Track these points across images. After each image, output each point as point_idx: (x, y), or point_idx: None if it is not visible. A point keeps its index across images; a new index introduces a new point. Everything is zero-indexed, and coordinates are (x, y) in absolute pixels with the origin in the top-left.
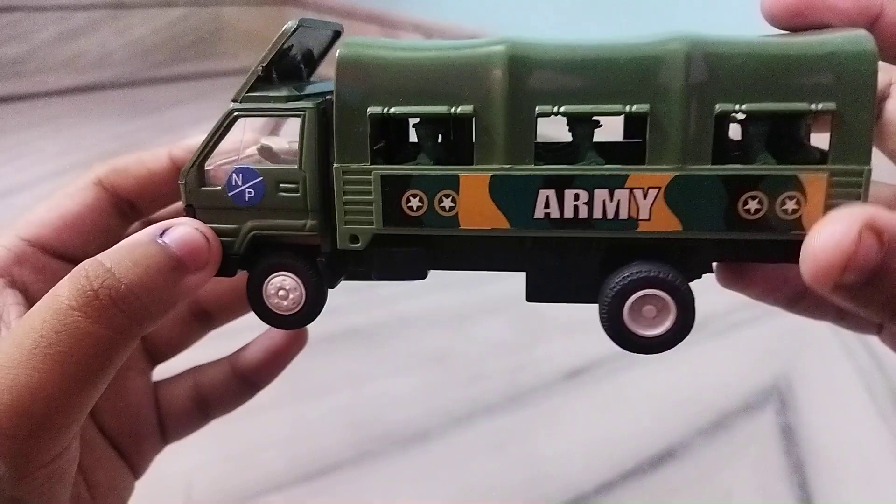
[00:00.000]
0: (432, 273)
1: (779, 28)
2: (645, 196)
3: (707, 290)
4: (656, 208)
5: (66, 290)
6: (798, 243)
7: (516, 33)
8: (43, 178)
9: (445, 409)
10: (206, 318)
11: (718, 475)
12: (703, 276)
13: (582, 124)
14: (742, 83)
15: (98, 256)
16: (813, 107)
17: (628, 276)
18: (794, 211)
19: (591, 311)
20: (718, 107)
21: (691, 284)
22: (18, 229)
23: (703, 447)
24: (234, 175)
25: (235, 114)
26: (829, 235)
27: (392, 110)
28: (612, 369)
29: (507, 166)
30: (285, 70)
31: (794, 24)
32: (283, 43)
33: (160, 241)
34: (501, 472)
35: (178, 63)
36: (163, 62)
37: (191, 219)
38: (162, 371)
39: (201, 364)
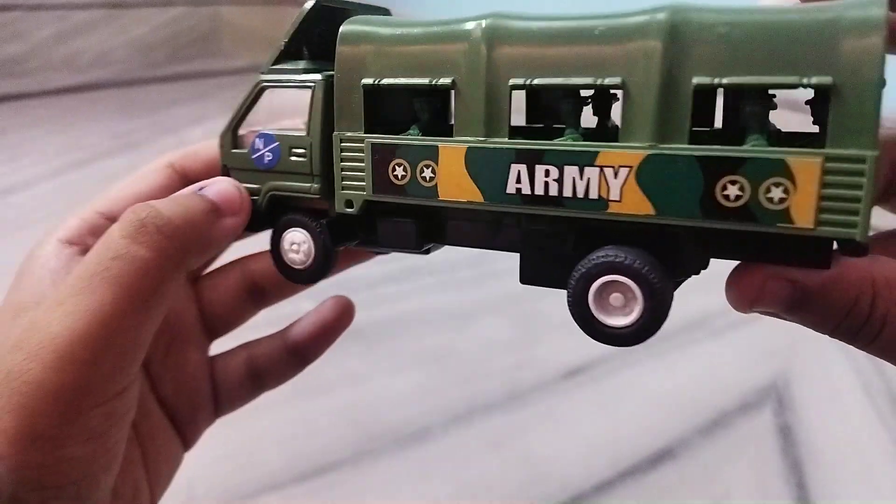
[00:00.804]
0: (431, 273)
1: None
2: (616, 175)
3: (705, 288)
4: (627, 189)
5: (116, 227)
6: (789, 237)
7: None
8: (42, 178)
9: (444, 408)
10: (260, 295)
11: (716, 474)
12: (701, 271)
13: (566, 100)
14: (724, 55)
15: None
16: (805, 80)
17: (593, 260)
18: (781, 200)
19: None
20: (695, 80)
21: (689, 279)
22: (95, 204)
23: (701, 446)
24: (256, 139)
25: (262, 84)
26: (738, 275)
27: (382, 82)
28: (610, 368)
29: (482, 139)
30: (318, 49)
31: None
32: (301, 21)
33: (199, 193)
34: (500, 470)
35: (176, 62)
36: (162, 61)
37: (226, 177)
38: (217, 347)
39: (255, 339)
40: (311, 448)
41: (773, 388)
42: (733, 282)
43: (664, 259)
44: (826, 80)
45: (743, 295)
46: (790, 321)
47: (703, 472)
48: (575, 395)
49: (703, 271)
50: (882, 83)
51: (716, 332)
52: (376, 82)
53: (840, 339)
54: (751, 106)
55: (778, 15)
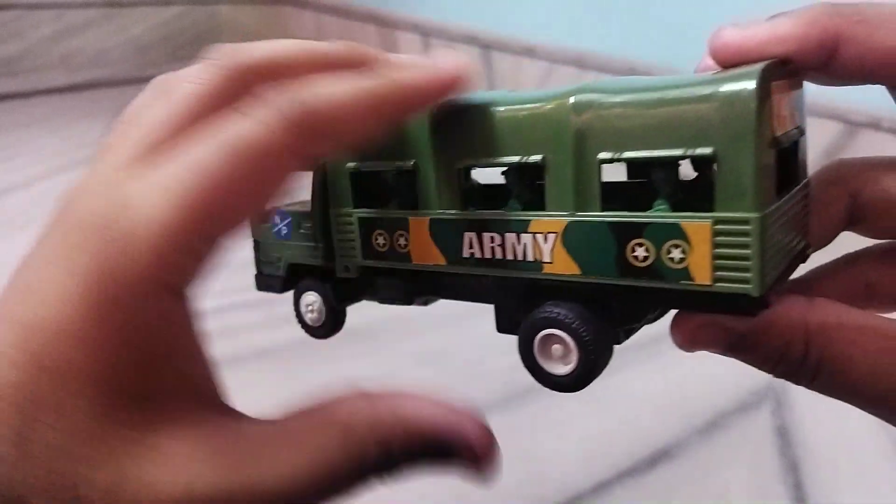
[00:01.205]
0: None
1: None
2: (546, 240)
3: None
4: (556, 252)
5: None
6: (695, 291)
7: (511, 33)
8: (39, 177)
9: None
10: None
11: (714, 475)
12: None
13: (509, 174)
14: (623, 131)
15: None
16: (689, 152)
17: (535, 315)
18: (681, 260)
19: None
20: (600, 156)
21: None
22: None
23: (698, 447)
24: (275, 215)
25: None
26: (677, 319)
27: (363, 168)
28: (608, 369)
29: (441, 211)
30: None
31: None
32: None
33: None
34: (498, 471)
35: (174, 62)
36: (159, 60)
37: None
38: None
39: None
40: None
41: (770, 388)
42: (673, 325)
43: (600, 313)
44: (707, 151)
45: (683, 338)
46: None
47: (700, 472)
48: (572, 396)
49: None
50: (777, 143)
51: None
52: (356, 167)
53: (783, 378)
54: (654, 174)
55: (667, 90)
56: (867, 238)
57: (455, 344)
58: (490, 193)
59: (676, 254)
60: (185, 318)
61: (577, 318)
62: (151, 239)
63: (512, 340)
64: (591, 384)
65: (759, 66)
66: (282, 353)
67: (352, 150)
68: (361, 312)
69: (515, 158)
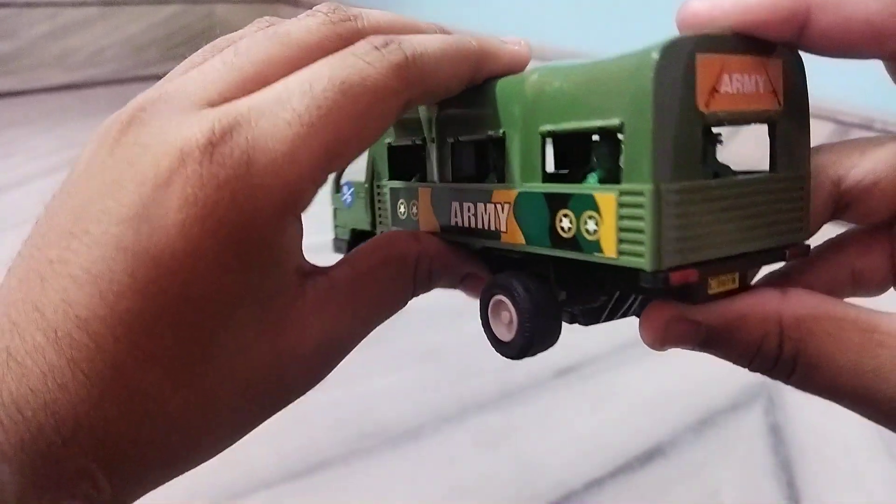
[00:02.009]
0: None
1: None
2: (503, 210)
3: None
4: (509, 222)
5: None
6: (608, 267)
7: (512, 34)
8: (35, 175)
9: (436, 406)
10: None
11: (707, 473)
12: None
13: (488, 147)
14: (558, 106)
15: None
16: (602, 123)
17: (490, 281)
18: (595, 231)
19: None
20: (540, 129)
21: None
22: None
23: (691, 445)
24: (343, 186)
25: None
26: (646, 315)
27: (395, 143)
28: (601, 367)
29: (437, 183)
30: None
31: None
32: None
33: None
34: (492, 469)
35: (170, 61)
36: (155, 60)
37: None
38: None
39: None
40: (303, 446)
41: (763, 386)
42: (644, 322)
43: (544, 286)
44: (615, 121)
45: (652, 335)
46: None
47: (693, 470)
48: (566, 394)
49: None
50: (705, 118)
51: None
52: (392, 143)
53: (759, 373)
54: (592, 147)
55: (596, 63)
56: (852, 225)
57: (449, 342)
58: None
59: (591, 225)
60: (300, 229)
61: (520, 287)
62: (277, 165)
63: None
64: (535, 355)
65: (675, 36)
66: None
67: (441, 98)
68: None
69: (489, 132)
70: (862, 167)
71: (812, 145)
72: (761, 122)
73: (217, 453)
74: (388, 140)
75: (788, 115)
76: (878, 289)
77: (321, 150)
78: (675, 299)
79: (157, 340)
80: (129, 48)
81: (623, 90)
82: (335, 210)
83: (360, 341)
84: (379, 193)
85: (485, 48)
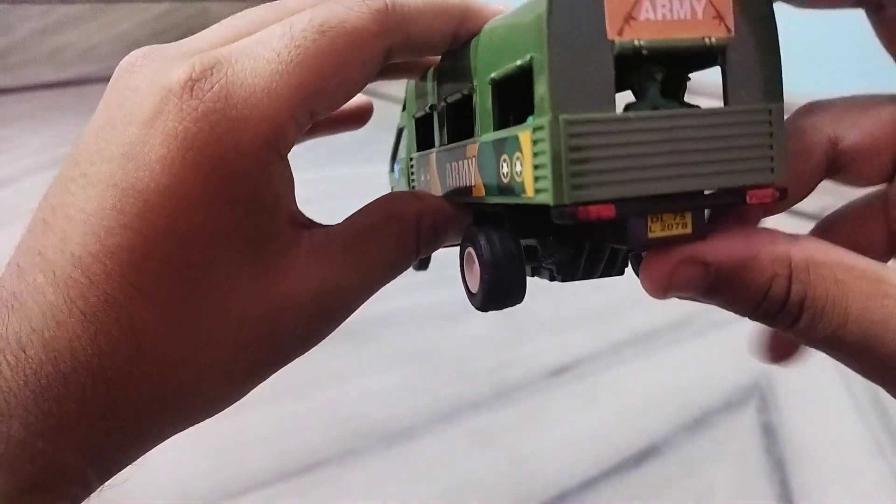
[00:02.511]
0: (417, 272)
1: None
2: (472, 164)
3: None
4: (475, 175)
5: None
6: (529, 206)
7: None
8: (26, 173)
9: (430, 406)
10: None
11: (700, 472)
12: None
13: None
14: (497, 52)
15: None
16: (518, 63)
17: (465, 233)
18: (520, 172)
19: (576, 309)
20: (489, 77)
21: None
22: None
23: (685, 444)
24: (395, 164)
25: (400, 128)
26: (650, 260)
27: (417, 115)
28: (595, 367)
29: (436, 147)
30: None
31: None
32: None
33: None
34: (486, 468)
35: None
36: None
37: None
38: None
39: None
40: (297, 446)
41: (756, 386)
42: (645, 267)
43: (506, 237)
44: (527, 58)
45: (655, 281)
46: (707, 304)
47: (686, 469)
48: (560, 394)
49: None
50: (617, 48)
51: (700, 331)
52: (415, 115)
53: (761, 322)
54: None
55: (520, 5)
56: (849, 188)
57: (443, 342)
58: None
59: (518, 166)
60: (285, 171)
61: (482, 240)
62: (257, 99)
63: (498, 336)
64: (500, 309)
65: None
66: None
67: (424, 51)
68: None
69: (464, 90)
70: (861, 128)
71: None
72: (702, 51)
73: (211, 410)
74: (413, 113)
75: (744, 41)
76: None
77: (298, 86)
78: (612, 242)
79: (147, 276)
80: (121, 45)
81: (531, 25)
82: (392, 188)
83: (362, 300)
84: (410, 165)
85: (468, 5)
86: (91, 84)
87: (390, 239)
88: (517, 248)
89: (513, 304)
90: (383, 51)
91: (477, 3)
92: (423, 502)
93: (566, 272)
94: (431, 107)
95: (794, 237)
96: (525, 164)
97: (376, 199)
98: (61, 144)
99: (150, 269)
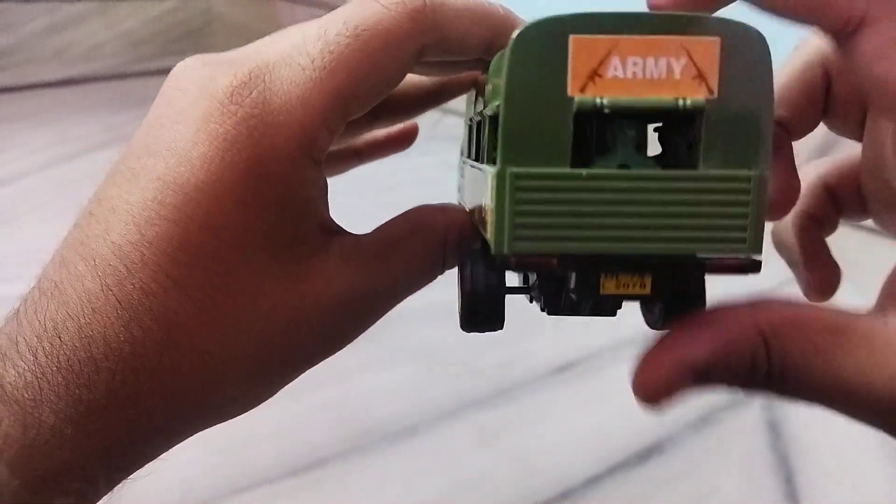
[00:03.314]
0: None
1: None
2: (473, 186)
3: None
4: (474, 196)
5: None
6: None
7: None
8: (31, 170)
9: (434, 403)
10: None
11: (705, 469)
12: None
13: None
14: (491, 89)
15: None
16: (492, 109)
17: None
18: (485, 210)
19: None
20: (485, 111)
21: None
22: None
23: (689, 441)
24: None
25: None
26: (640, 377)
27: (471, 123)
28: (600, 364)
29: (466, 157)
30: None
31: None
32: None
33: None
34: (490, 466)
35: (167, 56)
36: (152, 55)
37: None
38: None
39: None
40: (301, 443)
41: None
42: (638, 385)
43: (496, 267)
44: (495, 106)
45: (651, 395)
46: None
47: (691, 467)
48: (564, 391)
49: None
50: (574, 105)
51: None
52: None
53: (746, 393)
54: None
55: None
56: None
57: (447, 339)
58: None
59: (486, 202)
60: (318, 177)
61: (467, 267)
62: (291, 105)
63: (502, 334)
64: (479, 332)
65: (548, 16)
66: None
67: (459, 54)
68: None
69: (480, 109)
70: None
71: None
72: (676, 112)
73: (234, 408)
74: (467, 116)
75: (729, 102)
76: (855, 211)
77: (332, 93)
78: (569, 288)
79: (182, 268)
80: (126, 43)
81: (501, 72)
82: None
83: (388, 307)
84: (461, 165)
85: (509, 16)
86: (95, 82)
87: (416, 251)
88: (499, 279)
89: (491, 330)
90: (417, 49)
91: (518, 18)
92: (427, 499)
93: (550, 306)
94: (470, 118)
95: (749, 303)
96: (487, 204)
97: (404, 212)
98: (64, 143)
99: (185, 261)
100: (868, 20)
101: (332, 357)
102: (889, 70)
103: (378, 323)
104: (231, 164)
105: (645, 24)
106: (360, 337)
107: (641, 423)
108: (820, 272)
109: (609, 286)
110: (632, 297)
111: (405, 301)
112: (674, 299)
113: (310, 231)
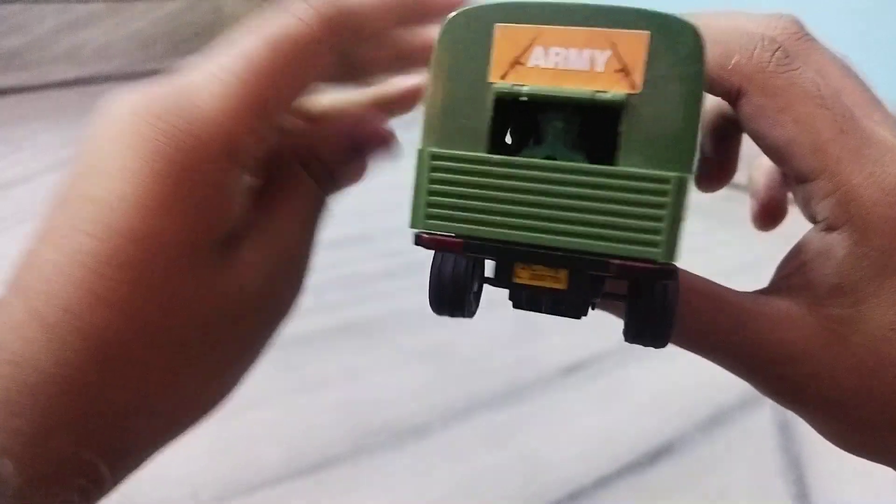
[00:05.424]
0: None
1: None
2: None
3: None
4: None
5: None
6: None
7: None
8: (42, 171)
9: (443, 403)
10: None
11: (715, 470)
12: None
13: None
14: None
15: None
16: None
17: None
18: None
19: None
20: None
21: None
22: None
23: (700, 442)
24: None
25: None
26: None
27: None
28: (609, 365)
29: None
30: None
31: None
32: None
33: None
34: (499, 466)
35: (177, 56)
36: (162, 55)
37: None
38: None
39: None
40: (310, 443)
41: None
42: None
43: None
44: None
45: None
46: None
47: (701, 468)
48: (574, 392)
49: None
50: (494, 91)
51: None
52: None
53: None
54: None
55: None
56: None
57: (456, 339)
58: None
59: None
60: (240, 181)
61: (437, 256)
62: (212, 114)
63: (512, 334)
64: (447, 315)
65: (476, 5)
66: (283, 347)
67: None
68: (359, 307)
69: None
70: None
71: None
72: (594, 106)
73: (200, 409)
74: None
75: (654, 99)
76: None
77: (252, 100)
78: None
79: (107, 282)
80: (136, 43)
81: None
82: None
83: (306, 262)
84: None
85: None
86: (106, 82)
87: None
88: (467, 269)
89: (461, 317)
90: (332, 52)
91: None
92: (436, 499)
93: (513, 299)
94: None
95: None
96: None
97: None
98: (76, 143)
99: (110, 275)
100: (742, 92)
101: (341, 356)
102: (758, 129)
103: (386, 323)
104: (154, 172)
105: (572, 15)
106: (369, 337)
107: (651, 423)
108: (767, 204)
109: (523, 276)
110: (548, 291)
111: (413, 301)
112: (637, 311)
113: (237, 231)
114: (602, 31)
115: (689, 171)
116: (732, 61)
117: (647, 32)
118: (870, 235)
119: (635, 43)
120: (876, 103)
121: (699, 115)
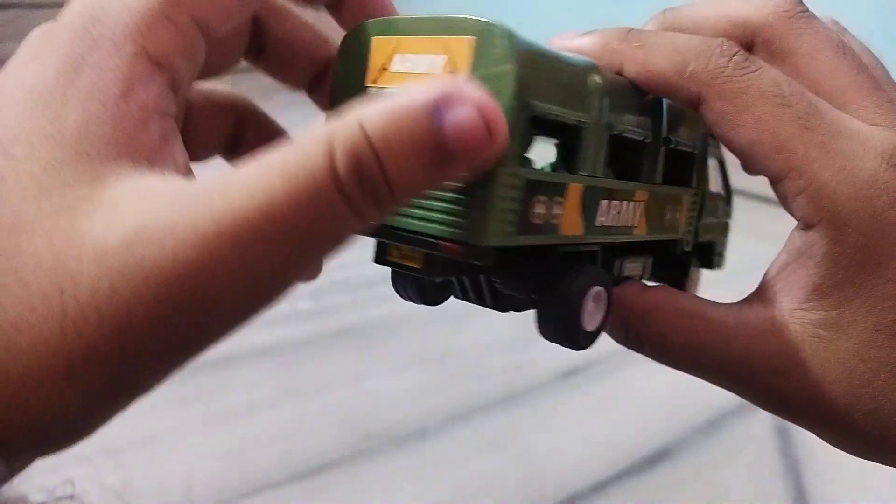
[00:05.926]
0: None
1: None
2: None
3: (702, 291)
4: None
5: (324, 148)
6: None
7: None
8: None
9: (442, 407)
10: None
11: (714, 474)
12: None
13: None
14: None
15: (362, 120)
16: None
17: None
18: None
19: None
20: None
21: None
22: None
23: (698, 446)
24: None
25: None
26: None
27: None
28: (608, 369)
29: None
30: None
31: None
32: None
33: (434, 124)
34: (497, 470)
35: None
36: None
37: (470, 89)
38: None
39: None
40: (308, 447)
41: None
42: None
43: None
44: None
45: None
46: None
47: (700, 472)
48: (572, 396)
49: None
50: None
51: None
52: None
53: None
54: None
55: None
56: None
57: (455, 343)
58: None
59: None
60: (160, 89)
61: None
62: (128, 4)
63: (510, 338)
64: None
65: (368, 21)
66: (282, 351)
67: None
68: (359, 311)
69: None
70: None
71: None
72: None
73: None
74: None
75: None
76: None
77: None
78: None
79: None
80: None
81: None
82: None
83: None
84: None
85: None
86: None
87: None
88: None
89: (427, 305)
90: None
91: None
92: (434, 503)
93: (394, 285)
94: None
95: (644, 288)
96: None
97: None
98: None
99: None
100: (701, 98)
101: (340, 360)
102: (722, 134)
103: (385, 326)
104: (49, 63)
105: (421, 26)
106: (367, 340)
107: (650, 427)
108: None
109: (394, 254)
110: (409, 269)
111: (412, 306)
112: (541, 305)
113: (127, 149)
114: (440, 38)
115: (511, 162)
116: (689, 69)
117: (472, 38)
118: (846, 232)
119: (463, 47)
120: (873, 86)
121: (512, 112)
